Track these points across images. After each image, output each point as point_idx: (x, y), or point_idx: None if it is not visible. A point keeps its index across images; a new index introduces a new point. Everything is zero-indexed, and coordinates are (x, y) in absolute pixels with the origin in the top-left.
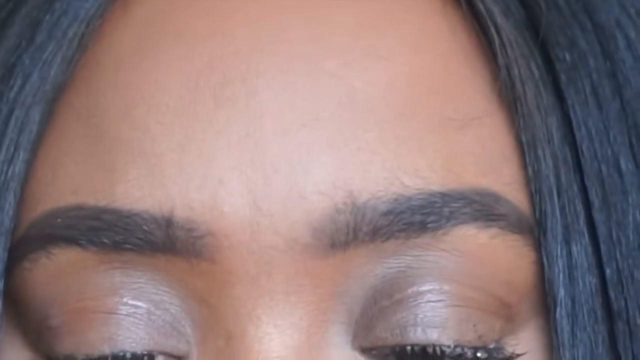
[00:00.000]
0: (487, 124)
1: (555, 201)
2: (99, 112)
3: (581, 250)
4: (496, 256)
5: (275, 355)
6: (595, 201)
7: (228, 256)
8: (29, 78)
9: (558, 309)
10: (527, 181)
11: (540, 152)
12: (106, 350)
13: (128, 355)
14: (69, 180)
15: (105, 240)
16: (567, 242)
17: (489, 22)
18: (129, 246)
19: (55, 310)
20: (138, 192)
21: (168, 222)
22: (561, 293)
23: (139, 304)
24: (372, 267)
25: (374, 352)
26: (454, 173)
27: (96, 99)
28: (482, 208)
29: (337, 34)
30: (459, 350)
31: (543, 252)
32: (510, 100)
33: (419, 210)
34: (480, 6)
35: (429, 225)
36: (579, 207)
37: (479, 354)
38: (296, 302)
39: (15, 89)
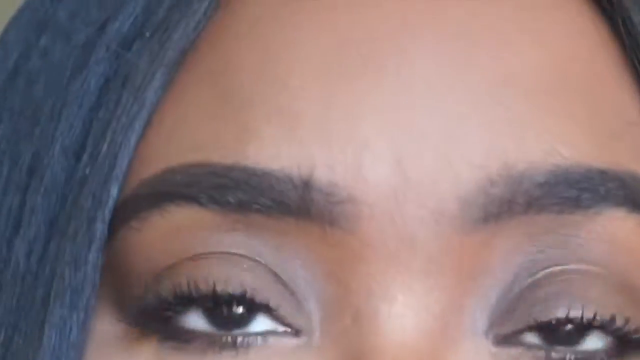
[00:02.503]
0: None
1: None
2: (229, 69)
3: None
4: None
5: (408, 338)
6: None
7: (367, 227)
8: (148, 43)
9: None
10: None
11: None
12: (226, 289)
13: (247, 297)
14: (191, 137)
15: (230, 199)
16: None
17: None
18: (256, 206)
19: (170, 262)
20: (273, 150)
21: (305, 184)
22: None
23: (264, 262)
24: (519, 241)
25: (512, 340)
26: (611, 153)
27: (225, 57)
28: (634, 193)
29: (494, 13)
30: (607, 320)
31: None
32: None
33: (576, 185)
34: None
35: (584, 202)
36: None
37: (628, 327)
38: (434, 283)
39: (134, 55)
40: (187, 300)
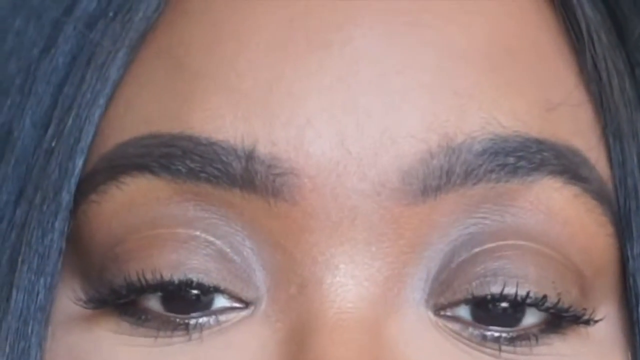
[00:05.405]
0: (576, 108)
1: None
2: (182, 46)
3: None
4: (577, 217)
5: (351, 305)
6: None
7: (310, 198)
8: (111, 24)
9: None
10: (611, 174)
11: (626, 145)
12: (174, 277)
13: (194, 284)
14: (143, 112)
15: (180, 168)
16: None
17: (579, 12)
18: (204, 175)
19: (125, 237)
20: (218, 121)
21: (248, 156)
22: None
23: (212, 239)
24: (457, 216)
25: (448, 311)
26: (550, 125)
27: (179, 34)
28: (571, 165)
29: None
30: (540, 298)
31: (627, 247)
32: (596, 93)
33: (513, 153)
34: None
35: (520, 170)
36: None
37: (560, 305)
38: (376, 252)
39: (98, 35)
40: (138, 290)
